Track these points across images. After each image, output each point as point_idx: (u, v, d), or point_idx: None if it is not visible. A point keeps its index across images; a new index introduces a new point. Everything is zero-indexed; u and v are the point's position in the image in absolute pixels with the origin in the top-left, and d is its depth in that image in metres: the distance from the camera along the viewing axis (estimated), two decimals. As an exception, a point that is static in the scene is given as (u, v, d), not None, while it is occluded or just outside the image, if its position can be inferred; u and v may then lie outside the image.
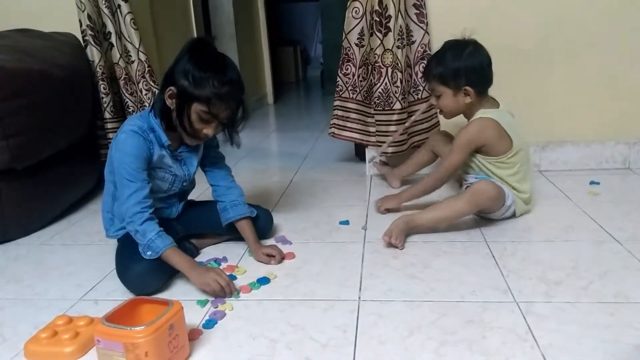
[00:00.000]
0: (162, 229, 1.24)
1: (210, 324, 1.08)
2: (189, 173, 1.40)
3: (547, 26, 1.96)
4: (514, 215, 1.56)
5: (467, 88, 1.49)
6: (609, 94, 2.01)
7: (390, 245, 1.40)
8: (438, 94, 1.54)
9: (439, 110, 1.61)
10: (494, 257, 1.33)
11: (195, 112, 1.23)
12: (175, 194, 1.43)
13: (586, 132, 2.06)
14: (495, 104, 1.55)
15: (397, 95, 1.92)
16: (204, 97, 1.20)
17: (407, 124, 1.79)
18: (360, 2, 1.92)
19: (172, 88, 1.23)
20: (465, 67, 1.48)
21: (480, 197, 1.45)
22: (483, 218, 1.57)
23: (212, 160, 1.46)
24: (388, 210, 1.67)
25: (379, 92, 1.94)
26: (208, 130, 1.26)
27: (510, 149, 1.51)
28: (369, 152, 2.14)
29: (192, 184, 1.49)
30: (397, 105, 1.93)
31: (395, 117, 1.94)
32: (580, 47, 1.97)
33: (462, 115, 1.60)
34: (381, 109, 1.96)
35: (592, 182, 1.89)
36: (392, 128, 1.95)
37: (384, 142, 1.97)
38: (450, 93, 1.52)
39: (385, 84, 1.93)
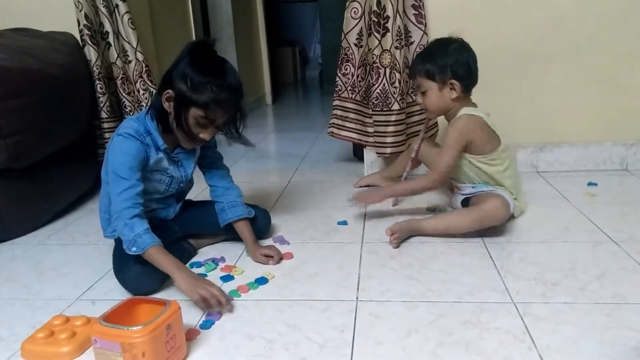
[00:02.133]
0: (149, 228, 1.20)
1: (207, 324, 1.08)
2: (186, 174, 1.40)
3: (545, 27, 1.96)
4: (512, 217, 1.56)
5: (454, 82, 1.49)
6: (607, 94, 2.01)
7: (391, 241, 1.42)
8: (424, 90, 1.55)
9: (424, 109, 1.60)
10: (491, 257, 1.33)
11: (192, 117, 1.22)
12: (173, 194, 1.43)
13: (584, 133, 2.06)
14: (474, 105, 1.55)
15: (395, 95, 1.92)
16: (202, 102, 1.19)
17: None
18: (359, 2, 1.92)
19: (170, 91, 1.22)
20: (452, 61, 1.48)
21: (491, 221, 1.43)
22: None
23: (209, 160, 1.46)
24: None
25: (377, 92, 1.94)
26: (205, 135, 1.26)
27: (497, 147, 1.52)
28: (367, 154, 2.14)
29: (189, 183, 1.49)
30: (396, 106, 1.93)
31: (393, 117, 1.93)
32: (578, 48, 1.98)
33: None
34: (379, 109, 1.95)
35: (589, 183, 1.89)
36: (391, 129, 1.94)
37: (382, 144, 1.97)
38: (437, 88, 1.52)
39: (384, 84, 1.92)
